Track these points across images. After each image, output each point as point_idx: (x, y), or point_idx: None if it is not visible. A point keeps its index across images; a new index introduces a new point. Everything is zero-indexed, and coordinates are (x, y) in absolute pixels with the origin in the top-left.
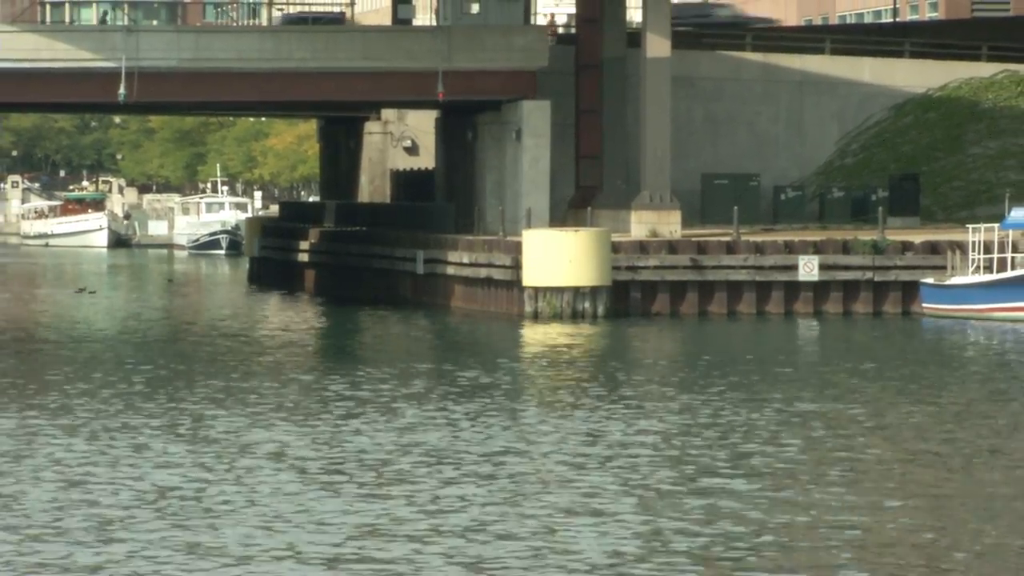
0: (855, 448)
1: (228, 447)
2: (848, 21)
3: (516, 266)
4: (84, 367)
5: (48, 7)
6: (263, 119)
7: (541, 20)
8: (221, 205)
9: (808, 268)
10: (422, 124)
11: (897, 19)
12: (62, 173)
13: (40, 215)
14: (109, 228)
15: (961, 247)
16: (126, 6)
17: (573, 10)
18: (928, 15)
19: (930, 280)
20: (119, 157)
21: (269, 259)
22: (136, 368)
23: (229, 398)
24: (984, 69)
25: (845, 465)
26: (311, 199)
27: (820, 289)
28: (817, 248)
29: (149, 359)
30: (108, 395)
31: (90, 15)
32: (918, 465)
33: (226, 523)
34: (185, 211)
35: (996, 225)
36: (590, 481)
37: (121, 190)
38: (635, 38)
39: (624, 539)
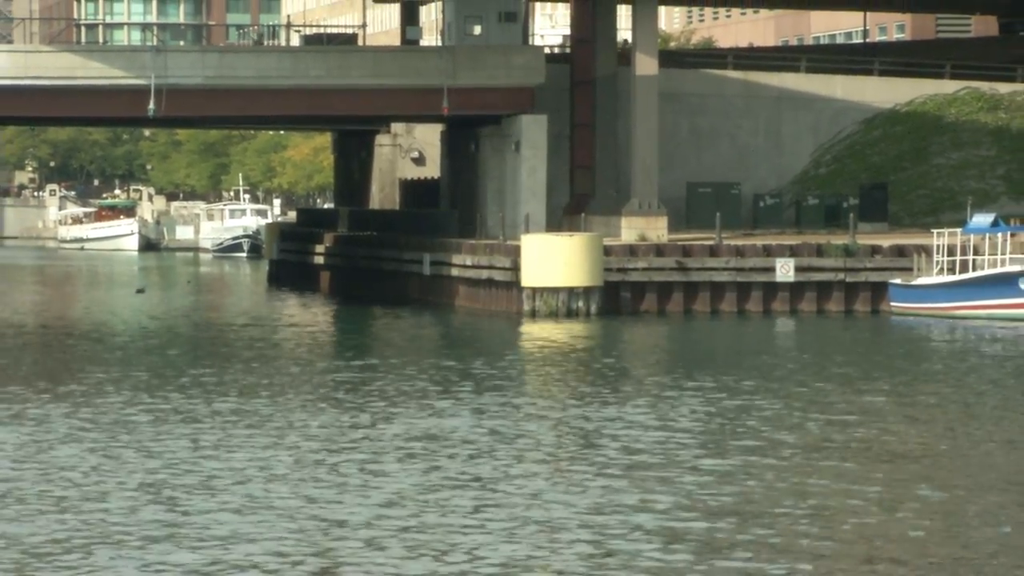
0: (825, 431)
1: (266, 430)
2: (822, 42)
3: (515, 268)
4: (128, 360)
5: (83, 28)
6: (282, 132)
7: (538, 41)
8: (243, 211)
9: (785, 270)
10: (428, 137)
11: (867, 39)
12: (96, 182)
13: (76, 221)
14: (139, 233)
15: (926, 250)
16: (155, 28)
17: (568, 31)
18: (896, 36)
19: (898, 281)
20: (149, 167)
21: (287, 261)
22: (189, 361)
23: (260, 388)
24: (947, 86)
25: (824, 445)
26: (326, 206)
27: (796, 289)
28: (793, 251)
29: (193, 353)
30: (169, 384)
31: (122, 36)
32: (879, 441)
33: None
34: (210, 217)
35: (958, 230)
36: (581, 460)
37: (151, 198)
38: (625, 57)
39: (603, 510)
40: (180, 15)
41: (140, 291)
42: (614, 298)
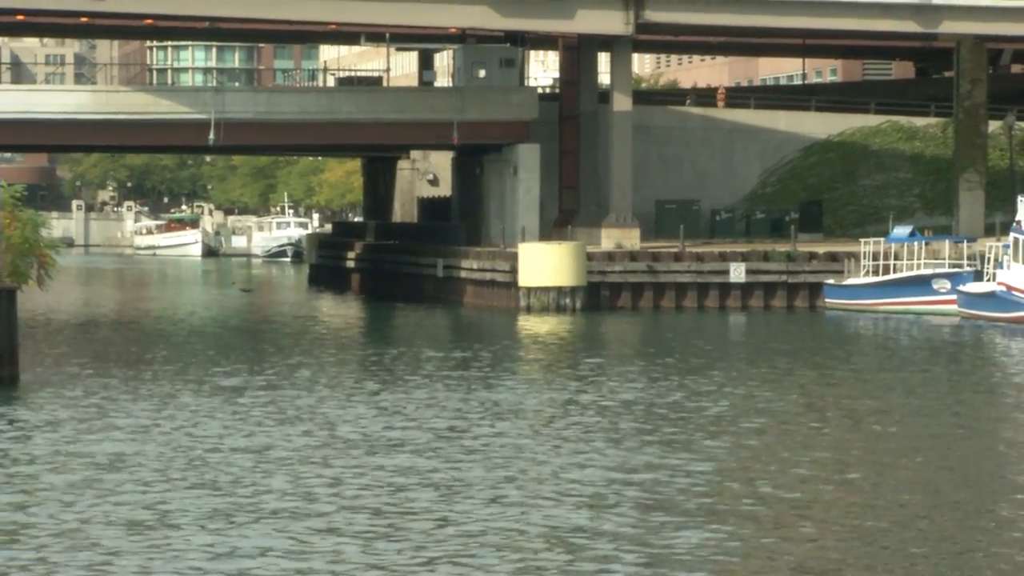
0: (775, 405)
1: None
2: (768, 83)
3: (513, 271)
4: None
5: (155, 72)
6: (319, 158)
7: (532, 83)
8: (287, 224)
9: (737, 272)
10: (442, 162)
11: (805, 81)
12: (165, 199)
13: (148, 231)
14: (202, 241)
15: (855, 256)
16: (215, 71)
17: (557, 74)
18: (829, 78)
19: (831, 281)
20: (209, 187)
21: (324, 266)
22: (254, 348)
23: (304, 371)
24: (872, 120)
25: (767, 417)
26: (356, 220)
27: (746, 289)
28: (744, 257)
29: (257, 342)
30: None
31: (187, 78)
32: (812, 413)
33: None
34: (260, 229)
35: (882, 239)
36: (574, 429)
37: (211, 212)
38: (605, 96)
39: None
40: (235, 61)
41: (246, 291)
42: (595, 296)
